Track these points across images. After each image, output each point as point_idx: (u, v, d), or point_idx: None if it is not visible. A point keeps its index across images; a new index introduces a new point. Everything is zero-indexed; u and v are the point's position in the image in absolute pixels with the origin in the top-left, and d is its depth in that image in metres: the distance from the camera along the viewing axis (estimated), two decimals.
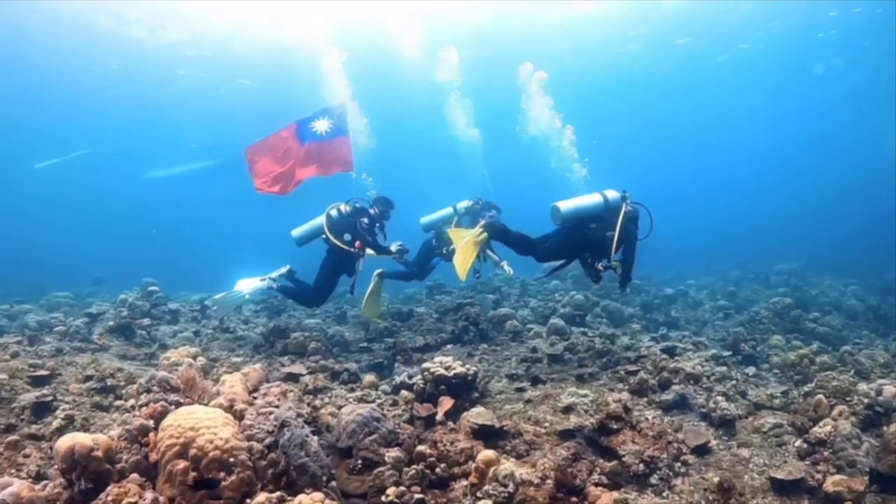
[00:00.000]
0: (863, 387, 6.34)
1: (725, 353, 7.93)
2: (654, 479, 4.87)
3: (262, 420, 4.83)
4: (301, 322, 10.18)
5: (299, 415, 5.04)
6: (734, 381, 6.94)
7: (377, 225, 8.40)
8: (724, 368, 7.18)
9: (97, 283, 15.30)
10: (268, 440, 4.62)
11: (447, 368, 6.22)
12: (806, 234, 31.83)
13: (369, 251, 8.29)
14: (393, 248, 8.52)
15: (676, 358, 7.35)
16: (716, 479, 4.89)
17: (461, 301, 10.47)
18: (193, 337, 9.27)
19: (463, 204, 9.20)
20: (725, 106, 33.80)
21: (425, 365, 6.34)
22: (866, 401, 6.09)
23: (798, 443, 5.71)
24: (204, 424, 4.46)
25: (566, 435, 5.56)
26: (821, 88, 29.54)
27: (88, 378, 6.77)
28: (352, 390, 6.78)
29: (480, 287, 13.06)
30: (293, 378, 7.30)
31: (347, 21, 19.13)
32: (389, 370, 8.06)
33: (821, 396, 6.18)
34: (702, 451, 5.44)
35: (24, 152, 33.25)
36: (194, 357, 7.25)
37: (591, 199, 6.72)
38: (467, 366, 6.34)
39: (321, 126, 8.79)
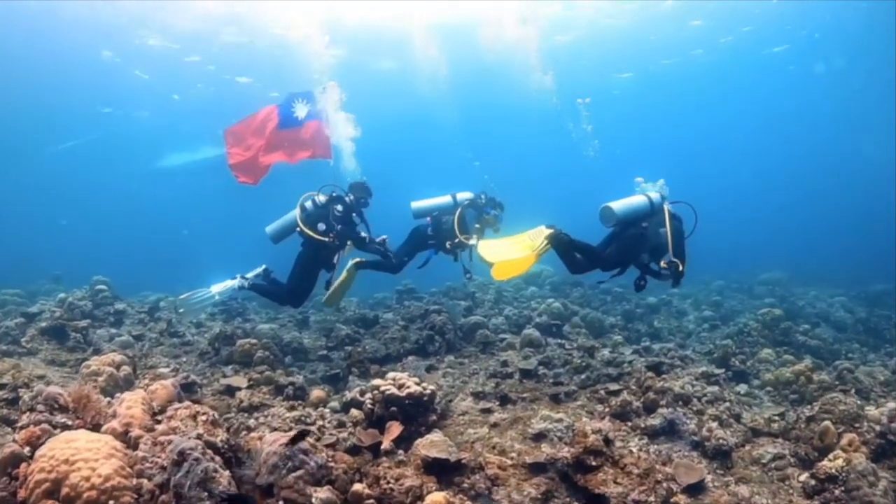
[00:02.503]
0: (873, 412, 5.47)
1: (717, 371, 7.01)
2: None
3: (158, 451, 3.80)
4: (255, 328, 9.12)
5: (210, 443, 4.01)
6: (727, 403, 6.02)
7: (354, 214, 7.48)
8: (716, 388, 6.26)
9: (55, 280, 14.05)
10: (160, 477, 3.60)
11: (400, 387, 5.25)
12: (787, 244, 31.22)
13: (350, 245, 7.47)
14: (378, 239, 7.60)
15: (664, 376, 6.42)
16: None
17: (428, 308, 9.45)
18: (133, 341, 8.20)
19: (464, 195, 8.12)
20: (707, 109, 33.12)
21: (375, 382, 5.37)
22: (878, 428, 5.22)
23: (804, 477, 4.81)
24: (82, 456, 3.47)
25: (536, 469, 4.61)
26: (805, 93, 29.01)
27: (2, 387, 5.73)
28: (292, 408, 5.78)
29: (453, 292, 12.08)
30: (231, 392, 6.32)
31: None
32: (345, 383, 7.08)
33: (828, 423, 5.29)
34: (695, 489, 4.50)
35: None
36: (118, 366, 6.19)
37: (637, 200, 6.46)
38: (424, 384, 5.37)
39: (301, 111, 8.03)
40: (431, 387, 5.43)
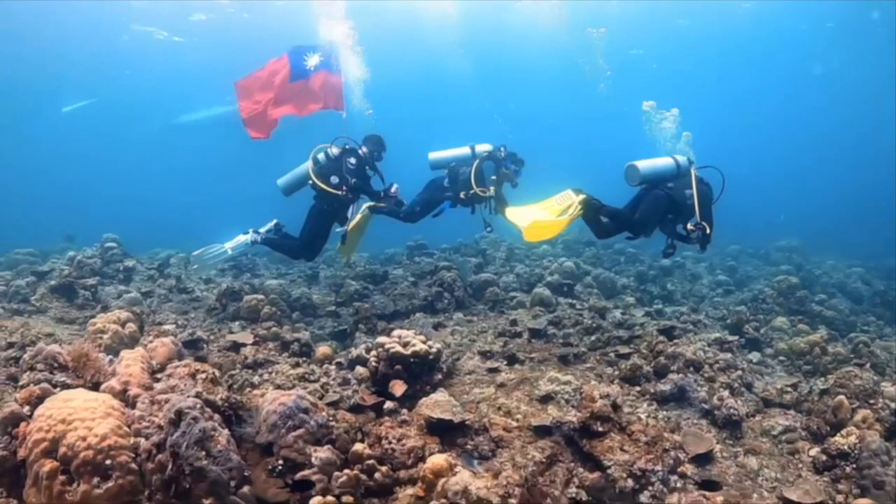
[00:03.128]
0: (889, 388, 5.29)
1: (731, 338, 6.83)
2: (644, 498, 3.83)
3: (155, 410, 3.73)
4: (263, 283, 9.04)
5: (209, 402, 3.93)
6: (739, 371, 5.86)
7: (368, 167, 7.33)
8: (728, 356, 6.08)
9: (69, 240, 13.98)
10: (157, 436, 3.53)
11: (405, 345, 5.13)
12: (805, 212, 30.48)
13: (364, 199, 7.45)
14: (391, 190, 7.49)
15: (675, 341, 6.24)
16: (720, 500, 3.85)
17: (438, 264, 9.29)
18: (141, 298, 8.14)
19: (483, 147, 7.87)
20: (731, 71, 31.95)
21: (380, 340, 5.25)
22: (893, 405, 5.06)
23: (815, 452, 4.68)
24: (79, 416, 3.43)
25: (542, 431, 4.51)
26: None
27: (11, 345, 5.72)
28: (297, 365, 5.72)
29: (464, 249, 11.90)
30: (236, 348, 6.26)
31: None
32: (352, 339, 7.02)
33: (843, 398, 5.12)
34: (703, 459, 4.39)
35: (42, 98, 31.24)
36: (123, 323, 6.10)
37: (663, 161, 6.39)
38: (429, 342, 5.25)
39: (312, 61, 7.73)
40: (437, 345, 5.31)
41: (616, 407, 4.28)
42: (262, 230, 7.36)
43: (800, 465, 4.59)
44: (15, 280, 8.57)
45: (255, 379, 5.54)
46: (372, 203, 7.81)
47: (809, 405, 5.45)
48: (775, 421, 5.14)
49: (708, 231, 6.08)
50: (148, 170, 44.08)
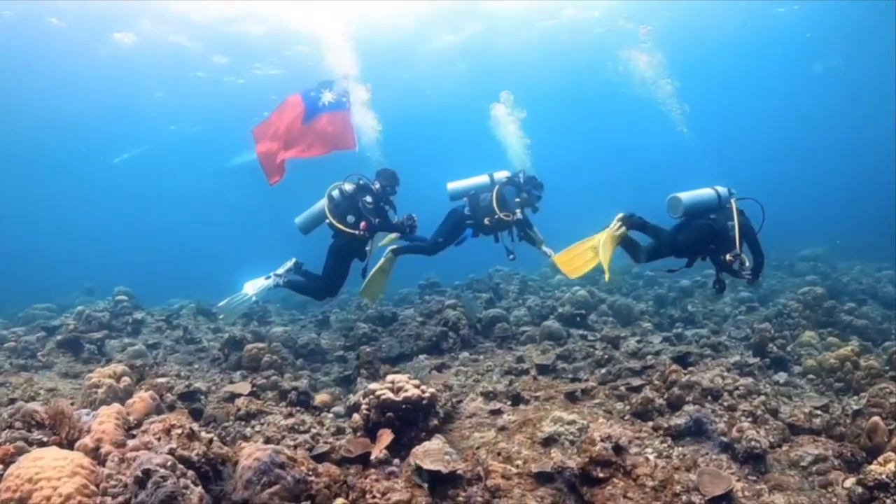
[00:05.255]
0: None
1: (752, 360, 6.32)
2: None
3: (124, 468, 3.48)
4: (268, 331, 8.83)
5: (183, 458, 3.67)
6: (763, 397, 5.35)
7: (383, 202, 7.23)
8: (749, 380, 5.58)
9: (88, 292, 14.11)
10: (122, 497, 3.27)
11: (397, 391, 4.79)
12: (826, 217, 29.27)
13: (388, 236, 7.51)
14: (410, 218, 7.38)
15: (691, 368, 5.77)
16: None
17: (445, 301, 8.96)
18: (146, 351, 8.00)
19: (501, 174, 7.76)
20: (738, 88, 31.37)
21: (371, 386, 4.91)
22: None
23: (850, 483, 4.13)
24: (45, 475, 3.26)
25: (542, 478, 4.09)
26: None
27: (13, 401, 5.60)
28: (289, 416, 5.41)
29: (477, 285, 11.56)
30: (233, 399, 6.01)
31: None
32: (355, 385, 6.71)
33: (877, 419, 4.59)
34: (722, 501, 3.90)
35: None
36: (118, 377, 5.95)
37: (705, 192, 6.42)
38: (423, 386, 4.90)
39: (326, 98, 7.72)
40: (431, 389, 4.96)
41: (619, 449, 3.85)
42: (281, 271, 7.24)
43: (834, 500, 4.07)
44: (25, 335, 8.52)
45: (248, 431, 5.26)
46: (394, 247, 7.71)
47: (842, 428, 4.92)
48: (804, 450, 4.61)
49: (746, 263, 6.06)
50: (182, 219, 44.58)
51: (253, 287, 7.09)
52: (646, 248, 6.67)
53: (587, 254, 6.52)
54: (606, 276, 6.29)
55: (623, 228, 6.44)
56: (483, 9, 19.87)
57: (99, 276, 17.06)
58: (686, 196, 6.33)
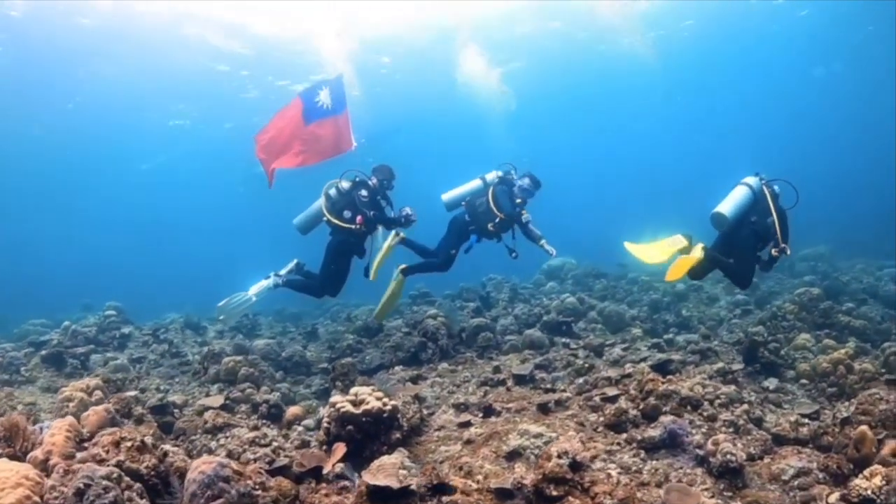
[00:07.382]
0: None
1: (735, 367, 5.96)
2: None
3: (67, 480, 3.31)
4: (251, 344, 8.60)
5: (131, 471, 3.48)
6: (746, 405, 5.00)
7: (379, 197, 7.19)
8: (732, 388, 5.23)
9: (85, 308, 13.93)
10: None
11: (358, 404, 4.53)
12: (826, 217, 28.45)
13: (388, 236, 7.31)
14: (405, 211, 7.29)
15: (670, 377, 5.41)
16: None
17: (427, 310, 8.68)
18: (128, 364, 7.82)
19: (492, 175, 7.63)
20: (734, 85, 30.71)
21: (333, 399, 4.67)
22: None
23: (834, 498, 3.77)
24: None
25: (502, 495, 3.78)
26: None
27: None
28: (255, 429, 5.17)
29: (466, 294, 11.25)
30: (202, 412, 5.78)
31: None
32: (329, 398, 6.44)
33: (865, 428, 4.22)
34: None
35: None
36: (90, 392, 5.77)
37: (741, 194, 6.22)
38: (385, 399, 4.62)
39: (323, 97, 7.54)
40: (394, 402, 4.68)
41: (577, 465, 3.53)
42: (283, 272, 7.23)
43: None
44: (12, 351, 8.37)
45: (213, 444, 5.04)
46: (403, 266, 7.59)
47: (829, 438, 4.56)
48: (787, 462, 4.25)
49: (788, 252, 6.05)
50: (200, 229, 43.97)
51: (254, 289, 7.11)
52: (704, 269, 6.42)
53: (669, 249, 6.30)
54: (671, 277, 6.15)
55: (701, 255, 6.13)
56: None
57: (108, 291, 16.83)
58: (728, 210, 6.12)
